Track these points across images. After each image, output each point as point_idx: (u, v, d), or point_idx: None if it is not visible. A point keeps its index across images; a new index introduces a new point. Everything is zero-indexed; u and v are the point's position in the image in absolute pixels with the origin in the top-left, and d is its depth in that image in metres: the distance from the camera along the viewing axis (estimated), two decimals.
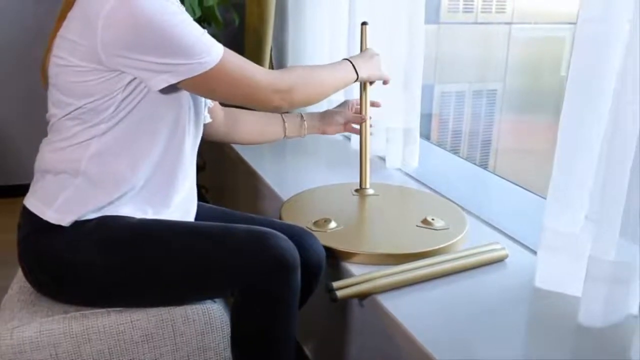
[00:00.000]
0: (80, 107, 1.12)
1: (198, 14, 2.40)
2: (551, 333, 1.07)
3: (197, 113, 1.26)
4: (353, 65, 1.41)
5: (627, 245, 1.02)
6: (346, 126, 1.64)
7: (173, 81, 1.09)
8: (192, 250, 1.14)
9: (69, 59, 1.09)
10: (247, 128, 1.55)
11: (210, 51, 1.10)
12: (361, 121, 1.60)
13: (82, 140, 1.14)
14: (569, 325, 1.09)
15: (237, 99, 1.21)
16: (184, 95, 1.18)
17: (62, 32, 1.11)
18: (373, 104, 1.61)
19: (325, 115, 1.62)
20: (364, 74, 1.43)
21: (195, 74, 1.09)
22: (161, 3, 1.05)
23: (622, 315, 1.08)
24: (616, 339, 1.04)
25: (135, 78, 1.10)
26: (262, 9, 2.52)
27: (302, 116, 1.60)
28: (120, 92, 1.11)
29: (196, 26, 1.10)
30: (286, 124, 1.57)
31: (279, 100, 1.22)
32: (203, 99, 1.30)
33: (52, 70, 1.13)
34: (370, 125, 1.62)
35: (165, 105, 1.16)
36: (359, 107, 1.61)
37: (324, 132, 1.63)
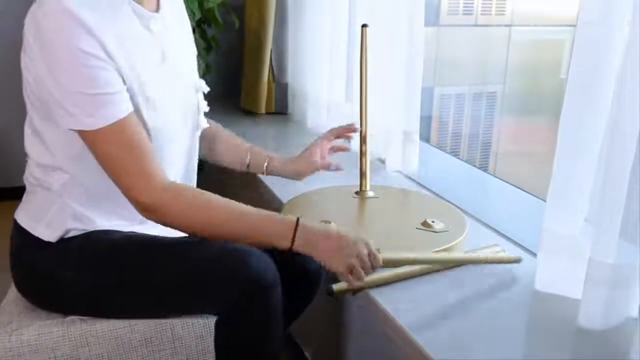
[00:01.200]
0: (35, 121, 1.11)
1: (198, 16, 2.40)
2: (551, 335, 1.07)
3: (175, 128, 1.20)
4: (296, 230, 1.09)
5: (627, 248, 1.02)
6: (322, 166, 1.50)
7: (72, 127, 1.04)
8: (169, 270, 1.12)
9: (27, 67, 1.09)
10: (223, 149, 1.48)
11: (101, 110, 1.01)
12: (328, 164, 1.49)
13: (47, 165, 1.14)
14: (568, 327, 1.09)
15: (113, 180, 1.08)
16: (146, 115, 1.12)
17: None
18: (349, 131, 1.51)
19: (295, 166, 1.50)
20: (307, 251, 1.09)
21: (81, 128, 1.03)
22: (79, 43, 0.99)
23: (622, 318, 1.07)
24: (616, 342, 1.04)
25: None
26: (262, 11, 2.53)
27: (268, 159, 1.50)
28: None
29: (107, 82, 1.03)
30: (249, 159, 1.48)
31: (146, 214, 1.09)
32: (196, 112, 1.28)
33: (29, 87, 1.13)
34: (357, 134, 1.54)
35: None
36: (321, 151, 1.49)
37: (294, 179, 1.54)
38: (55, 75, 1.01)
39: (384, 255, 1.13)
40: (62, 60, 1.00)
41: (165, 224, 1.11)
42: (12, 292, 1.26)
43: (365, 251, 1.09)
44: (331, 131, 1.50)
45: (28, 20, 1.03)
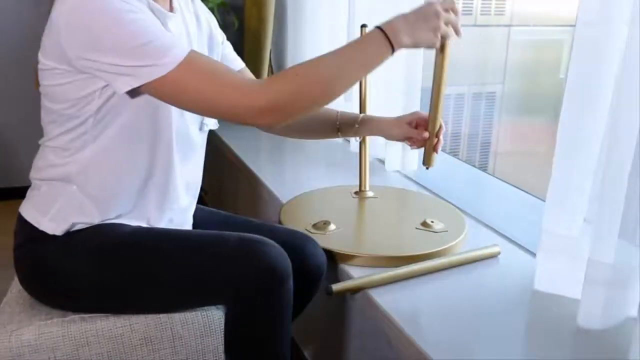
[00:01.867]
0: (59, 112, 1.11)
1: None
2: (550, 335, 1.07)
3: (183, 125, 1.20)
4: (385, 34, 1.09)
5: (626, 248, 1.02)
6: (409, 140, 1.40)
7: (135, 84, 1.02)
8: (183, 260, 1.13)
9: (46, 62, 1.08)
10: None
11: (167, 53, 1.01)
12: (422, 139, 1.33)
13: (69, 154, 1.14)
14: (568, 327, 1.09)
15: (206, 110, 1.08)
16: (162, 107, 1.12)
17: (43, 36, 1.11)
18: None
19: (386, 123, 1.43)
20: (405, 41, 1.10)
21: (154, 77, 1.01)
22: (114, 2, 1.01)
23: (621, 318, 1.07)
24: (615, 342, 1.04)
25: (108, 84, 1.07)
26: (262, 12, 2.53)
27: (357, 117, 1.43)
28: (97, 97, 1.08)
29: (156, 28, 1.04)
30: (339, 122, 1.42)
31: (261, 119, 1.05)
32: None
33: (39, 75, 1.13)
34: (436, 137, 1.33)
35: (144, 116, 1.12)
36: (425, 121, 1.35)
37: (384, 138, 1.47)
38: (106, 45, 1.01)
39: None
40: (106, 27, 1.00)
41: (289, 113, 1.07)
42: (12, 291, 1.26)
43: (439, 8, 1.12)
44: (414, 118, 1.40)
45: (56, 16, 1.03)
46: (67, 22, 1.02)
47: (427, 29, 1.11)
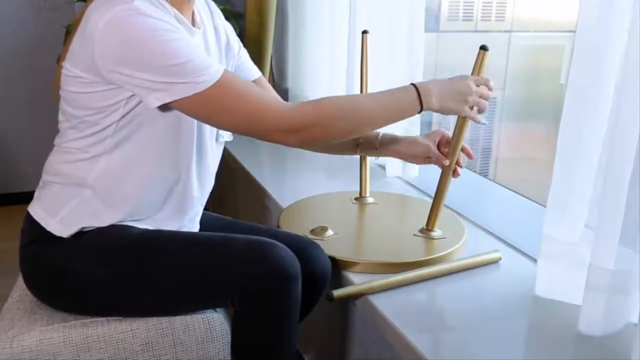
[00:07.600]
0: (81, 118, 1.12)
1: None
2: (551, 341, 1.07)
3: (202, 136, 1.22)
4: (418, 92, 1.18)
5: (627, 254, 1.02)
6: (428, 160, 1.42)
7: (167, 100, 1.04)
8: (192, 260, 1.14)
9: (73, 70, 1.09)
10: None
11: (205, 72, 1.04)
12: (443, 165, 1.37)
13: (88, 157, 1.14)
14: (568, 333, 1.09)
15: (237, 128, 1.12)
16: (185, 117, 1.14)
17: (71, 44, 1.12)
18: (463, 151, 1.38)
19: (407, 142, 1.43)
20: (434, 104, 1.18)
21: (189, 94, 1.04)
22: (154, 21, 1.03)
23: (622, 324, 1.07)
24: (616, 348, 1.04)
25: (134, 94, 1.08)
26: (263, 18, 2.53)
27: (378, 135, 1.44)
28: (122, 107, 1.09)
29: (193, 46, 1.07)
30: (361, 138, 1.43)
31: (286, 138, 1.10)
32: None
33: (62, 80, 1.14)
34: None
35: (166, 127, 1.14)
36: (449, 143, 1.37)
37: (403, 159, 1.49)
38: (143, 61, 1.02)
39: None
40: (145, 44, 1.02)
41: (317, 136, 1.13)
42: (13, 297, 1.26)
43: (471, 83, 1.21)
44: (438, 136, 1.42)
45: (92, 28, 1.04)
46: (104, 36, 1.03)
47: (456, 100, 1.20)
